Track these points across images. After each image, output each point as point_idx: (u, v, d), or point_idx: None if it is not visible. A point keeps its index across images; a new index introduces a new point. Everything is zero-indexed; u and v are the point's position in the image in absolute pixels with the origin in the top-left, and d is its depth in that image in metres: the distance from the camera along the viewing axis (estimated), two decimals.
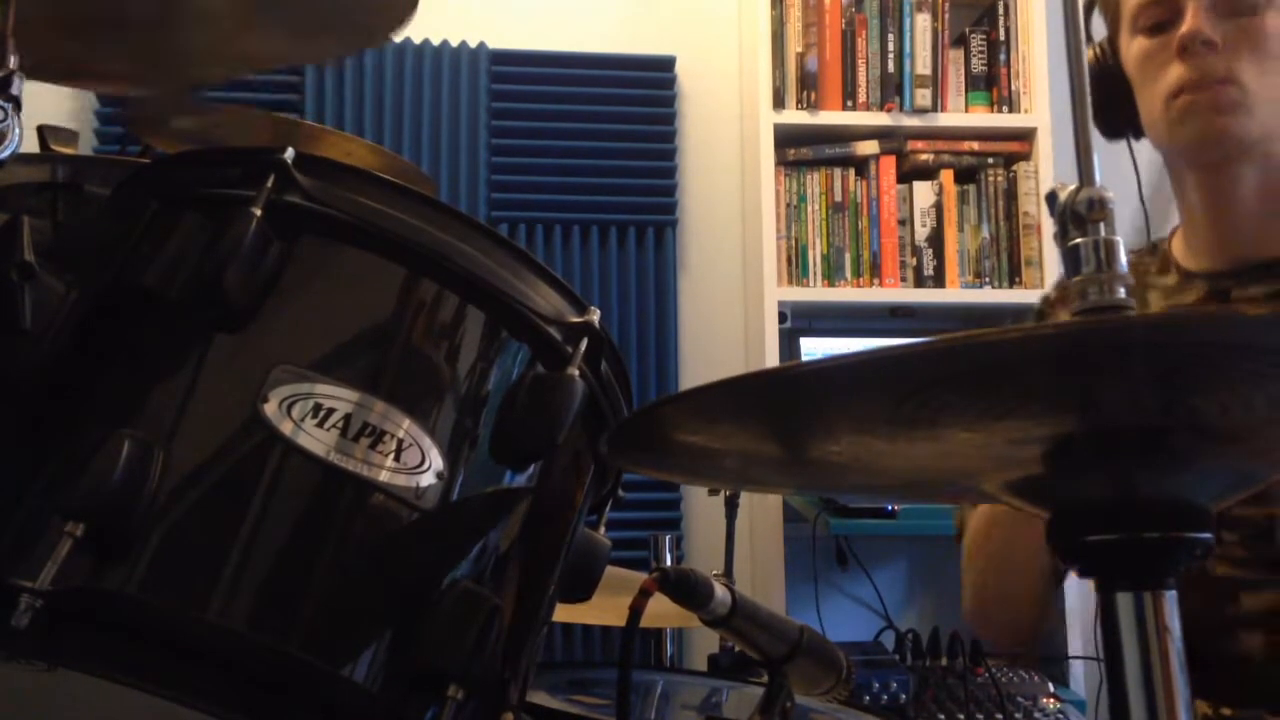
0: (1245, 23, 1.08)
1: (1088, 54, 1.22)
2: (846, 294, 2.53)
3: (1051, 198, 0.60)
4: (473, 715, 0.71)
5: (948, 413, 0.53)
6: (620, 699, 0.86)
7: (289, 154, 0.72)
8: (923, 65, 2.59)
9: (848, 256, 2.54)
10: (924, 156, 2.58)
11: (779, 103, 2.54)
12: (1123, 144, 1.25)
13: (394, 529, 0.69)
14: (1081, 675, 2.35)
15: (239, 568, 0.65)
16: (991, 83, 2.62)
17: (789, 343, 2.53)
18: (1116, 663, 0.57)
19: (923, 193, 2.57)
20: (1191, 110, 1.09)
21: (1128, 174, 1.54)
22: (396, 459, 0.69)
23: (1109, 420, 0.53)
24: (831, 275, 2.54)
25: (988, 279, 2.56)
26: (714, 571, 1.68)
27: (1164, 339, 0.48)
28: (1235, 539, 1.11)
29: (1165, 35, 1.11)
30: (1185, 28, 1.08)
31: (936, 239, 2.56)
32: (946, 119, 2.59)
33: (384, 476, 0.68)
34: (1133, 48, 1.15)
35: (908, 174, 2.59)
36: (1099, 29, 1.25)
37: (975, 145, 2.60)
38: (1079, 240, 0.58)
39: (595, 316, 0.79)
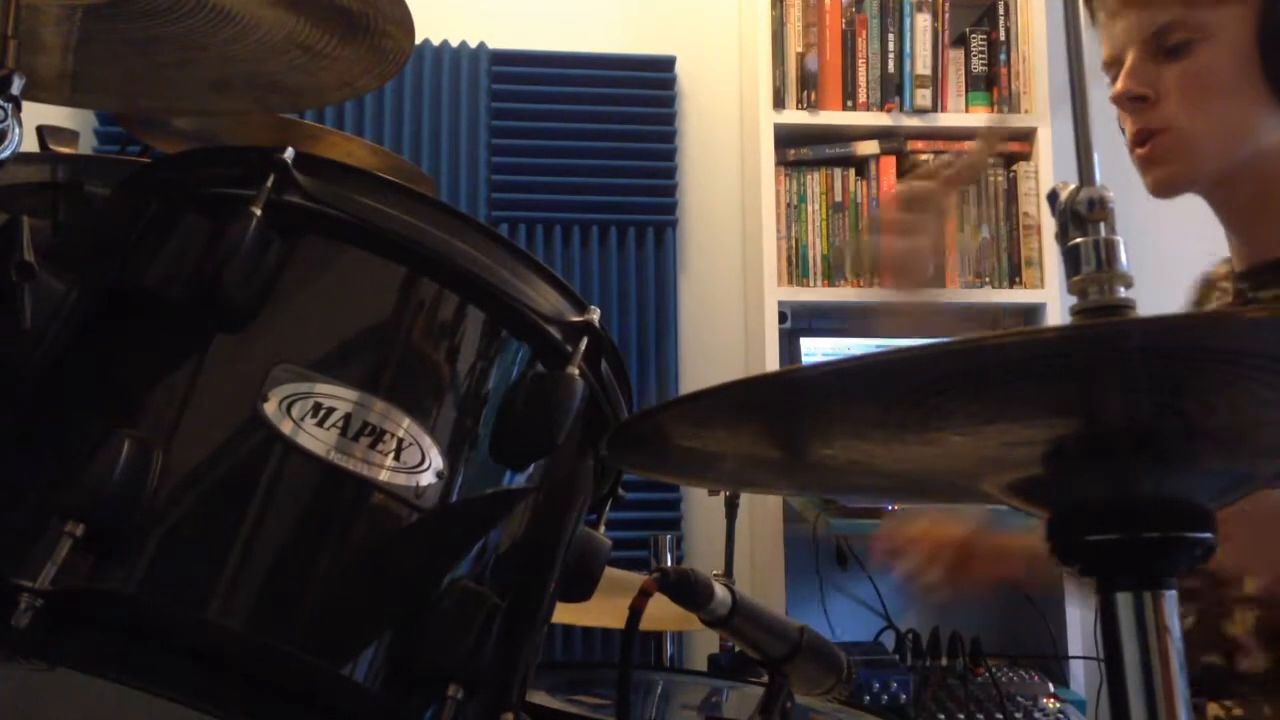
0: (1176, 67, 1.11)
1: None
2: (846, 294, 2.53)
3: (1053, 197, 0.61)
4: (473, 715, 0.70)
5: (941, 417, 0.53)
6: (620, 699, 0.86)
7: (289, 154, 0.72)
8: (923, 65, 2.59)
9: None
10: (924, 156, 2.57)
11: (779, 103, 2.54)
12: None
13: (394, 528, 0.69)
14: (1081, 675, 2.35)
15: (239, 567, 0.65)
16: (991, 83, 2.62)
17: (789, 343, 2.52)
18: (1116, 663, 0.56)
19: None
20: (1143, 162, 1.15)
21: None
22: (396, 458, 0.69)
23: (1107, 422, 0.53)
24: (831, 275, 2.54)
25: (988, 279, 2.56)
26: (714, 571, 1.68)
27: (1160, 341, 0.48)
28: None
29: None
30: (1114, 89, 1.13)
31: None
32: (946, 119, 2.59)
33: (384, 476, 0.68)
34: None
35: (908, 174, 2.58)
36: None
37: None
38: (1079, 240, 0.59)
39: (595, 315, 0.79)
